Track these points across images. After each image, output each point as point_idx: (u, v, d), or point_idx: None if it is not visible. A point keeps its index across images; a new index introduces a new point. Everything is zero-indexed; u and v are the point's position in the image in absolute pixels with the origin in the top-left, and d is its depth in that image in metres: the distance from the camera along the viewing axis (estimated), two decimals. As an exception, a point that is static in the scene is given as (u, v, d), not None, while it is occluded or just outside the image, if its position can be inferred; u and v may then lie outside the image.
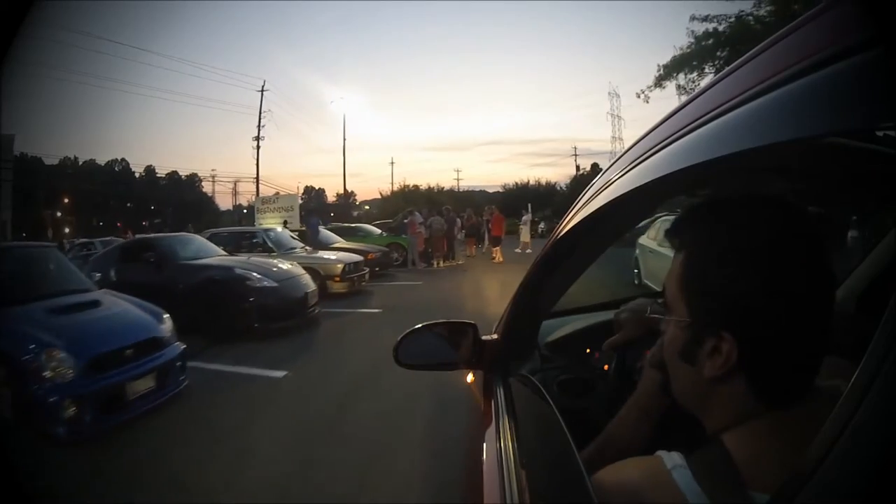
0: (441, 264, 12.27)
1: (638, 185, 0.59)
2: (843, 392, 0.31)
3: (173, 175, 51.58)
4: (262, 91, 31.26)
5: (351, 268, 8.14)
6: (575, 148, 44.94)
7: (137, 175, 50.31)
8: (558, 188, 39.80)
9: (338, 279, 7.88)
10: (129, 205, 46.93)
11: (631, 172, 0.63)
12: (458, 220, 12.97)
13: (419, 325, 1.16)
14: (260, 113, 30.85)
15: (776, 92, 0.37)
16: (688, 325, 0.49)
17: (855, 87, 0.32)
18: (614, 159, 0.74)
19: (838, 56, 0.32)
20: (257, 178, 30.37)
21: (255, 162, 30.62)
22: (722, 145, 0.44)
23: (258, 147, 30.64)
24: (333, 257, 8.41)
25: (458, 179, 47.84)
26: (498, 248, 13.08)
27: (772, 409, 0.46)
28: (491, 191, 40.71)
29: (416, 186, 43.23)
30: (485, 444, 0.92)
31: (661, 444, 0.52)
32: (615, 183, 0.67)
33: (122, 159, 49.65)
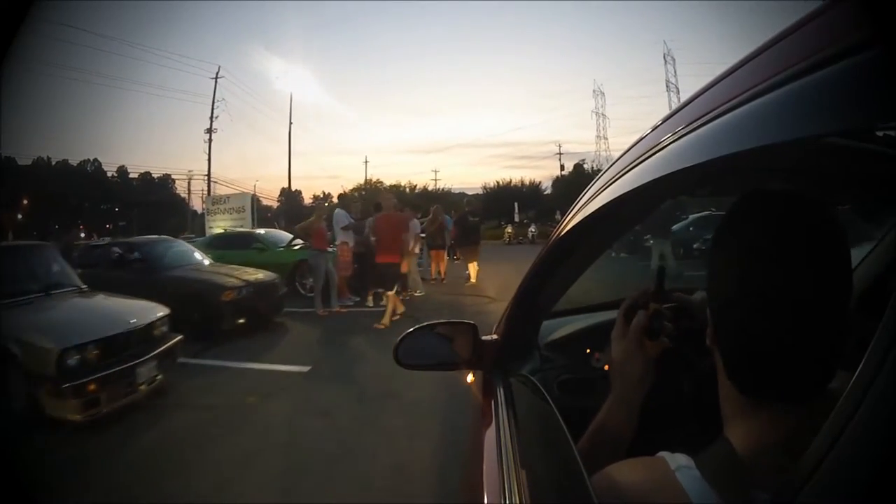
0: (383, 300, 6.26)
1: (638, 185, 0.59)
2: (843, 392, 0.31)
3: (146, 175, 49.69)
4: (216, 78, 29.64)
5: (90, 357, 3.10)
6: (559, 146, 43.17)
7: (110, 175, 48.43)
8: (542, 188, 37.49)
9: (49, 388, 2.95)
10: (102, 206, 45.23)
11: (631, 172, 0.63)
12: (417, 222, 7.63)
13: (419, 326, 1.16)
14: (213, 102, 29.22)
15: (776, 92, 0.37)
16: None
17: (855, 87, 0.32)
18: (615, 160, 0.74)
19: (838, 56, 0.32)
20: (209, 175, 28.62)
21: (207, 157, 28.50)
22: (722, 145, 0.44)
23: (210, 140, 28.90)
24: (63, 325, 3.30)
25: (435, 179, 43.62)
26: (386, 293, 5.97)
27: (757, 406, 0.47)
28: (471, 192, 37.82)
29: (379, 182, 37.68)
30: (485, 444, 0.92)
31: (666, 444, 0.52)
32: (615, 183, 0.67)
33: (95, 159, 47.79)
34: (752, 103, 0.40)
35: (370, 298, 6.87)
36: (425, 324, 1.16)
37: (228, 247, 8.41)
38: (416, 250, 7.90)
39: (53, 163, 45.48)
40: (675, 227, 11.54)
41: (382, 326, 5.58)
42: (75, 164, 46.91)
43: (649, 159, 0.58)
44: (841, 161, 0.56)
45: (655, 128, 0.61)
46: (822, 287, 0.44)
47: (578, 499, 0.53)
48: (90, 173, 47.14)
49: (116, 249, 6.29)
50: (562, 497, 0.64)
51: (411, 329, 1.15)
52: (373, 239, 6.16)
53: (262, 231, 9.79)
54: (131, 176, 49.44)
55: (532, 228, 24.54)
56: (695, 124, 0.49)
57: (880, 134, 0.50)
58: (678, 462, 0.47)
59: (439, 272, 9.34)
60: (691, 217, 11.87)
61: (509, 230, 25.18)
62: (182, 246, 6.86)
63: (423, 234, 8.88)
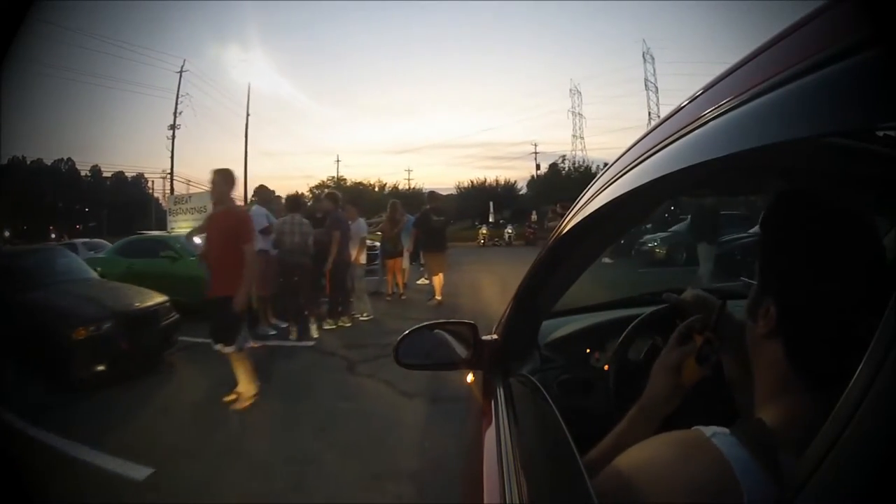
0: (313, 331, 5.21)
1: (638, 185, 0.60)
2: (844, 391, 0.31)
3: (119, 175, 46.97)
4: (181, 72, 28.19)
5: None
6: (535, 145, 41.08)
7: (83, 174, 45.93)
8: (518, 188, 35.09)
9: None
10: (77, 207, 43.37)
11: (631, 172, 0.63)
12: (362, 222, 6.21)
13: (419, 326, 1.16)
14: (177, 97, 27.83)
15: (776, 92, 0.37)
16: (756, 289, 0.56)
17: (855, 87, 0.32)
18: (614, 159, 0.74)
19: (838, 56, 0.32)
20: (171, 173, 27.11)
21: (170, 154, 26.90)
22: (722, 145, 0.44)
23: (173, 137, 27.40)
24: None
25: (409, 179, 39.69)
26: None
27: (810, 386, 0.49)
28: (445, 192, 34.60)
29: (342, 179, 35.15)
30: (485, 444, 0.92)
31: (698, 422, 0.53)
32: (615, 183, 0.67)
33: (69, 158, 45.09)
34: (752, 103, 0.40)
35: (294, 330, 5.09)
36: (425, 324, 1.16)
37: (137, 255, 6.61)
38: (362, 260, 6.09)
39: (28, 162, 43.65)
40: (676, 227, 10.50)
41: (235, 400, 3.43)
42: (49, 164, 44.85)
43: (649, 159, 0.58)
44: (841, 161, 0.56)
45: (655, 128, 0.61)
46: (873, 284, 0.47)
47: (578, 499, 0.53)
48: (64, 173, 44.94)
49: None
50: (562, 497, 0.64)
51: (411, 329, 1.15)
52: (196, 256, 4.40)
53: (179, 235, 7.64)
54: (105, 175, 47.03)
55: (508, 229, 21.98)
56: (695, 124, 0.49)
57: (880, 134, 0.50)
58: (713, 430, 0.49)
59: (397, 286, 7.29)
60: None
61: (484, 231, 22.52)
62: (66, 256, 5.27)
63: (376, 234, 7.36)
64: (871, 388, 0.29)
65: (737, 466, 0.44)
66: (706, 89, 0.50)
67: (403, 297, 7.23)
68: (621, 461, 0.52)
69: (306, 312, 5.14)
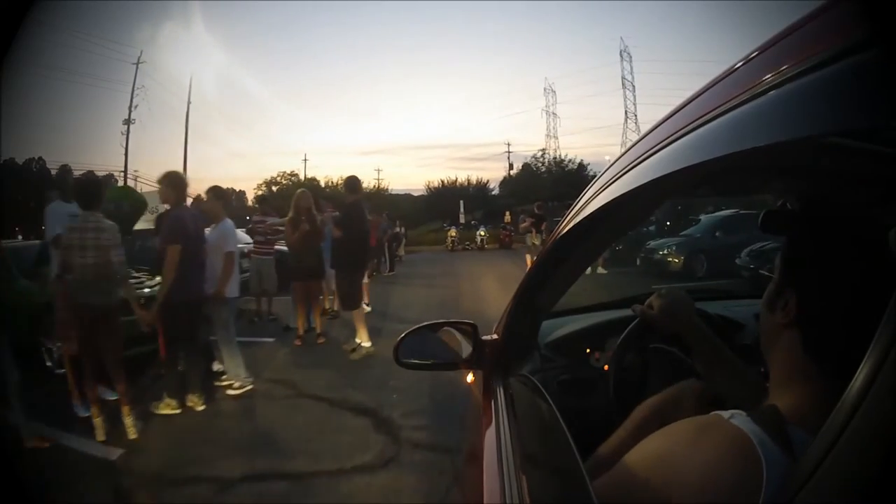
0: (129, 424, 2.82)
1: (638, 184, 0.60)
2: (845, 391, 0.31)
3: (89, 175, 47.74)
4: (137, 64, 26.95)
5: None
6: (508, 144, 38.24)
7: (54, 173, 47.46)
8: (490, 188, 33.55)
9: None
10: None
11: (631, 172, 0.63)
12: (230, 225, 3.60)
13: (419, 325, 1.16)
14: (133, 90, 26.68)
15: (776, 92, 0.37)
16: (776, 283, 0.59)
17: (855, 87, 0.32)
18: (614, 159, 0.74)
19: (838, 56, 0.32)
20: (125, 170, 25.46)
21: (125, 151, 25.43)
22: (722, 145, 0.44)
23: (128, 132, 26.23)
24: None
25: (378, 179, 36.43)
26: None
27: (823, 374, 0.51)
28: (416, 193, 33.74)
29: (292, 175, 33.30)
30: (485, 444, 0.92)
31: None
32: (615, 183, 0.67)
33: (40, 158, 46.04)
34: (752, 103, 0.40)
35: (98, 419, 2.88)
36: (425, 323, 1.17)
37: None
38: (231, 291, 3.57)
39: (1, 162, 44.45)
40: (687, 231, 9.18)
41: None
42: (21, 163, 45.96)
43: (649, 159, 0.58)
44: (841, 161, 0.56)
45: (655, 128, 0.61)
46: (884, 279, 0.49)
47: (578, 498, 0.53)
48: (35, 172, 45.84)
49: None
50: (562, 497, 0.64)
51: (411, 329, 1.16)
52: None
53: (17, 244, 5.35)
54: (76, 175, 47.82)
55: (481, 231, 19.79)
56: (695, 124, 0.49)
57: (880, 134, 0.50)
58: (731, 412, 0.52)
59: (313, 321, 4.91)
60: (711, 217, 9.01)
61: (453, 233, 19.79)
62: None
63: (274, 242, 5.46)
64: (871, 389, 0.29)
65: (756, 440, 0.46)
66: (706, 89, 0.50)
67: (321, 341, 4.77)
68: (645, 445, 0.55)
69: (114, 390, 2.98)
